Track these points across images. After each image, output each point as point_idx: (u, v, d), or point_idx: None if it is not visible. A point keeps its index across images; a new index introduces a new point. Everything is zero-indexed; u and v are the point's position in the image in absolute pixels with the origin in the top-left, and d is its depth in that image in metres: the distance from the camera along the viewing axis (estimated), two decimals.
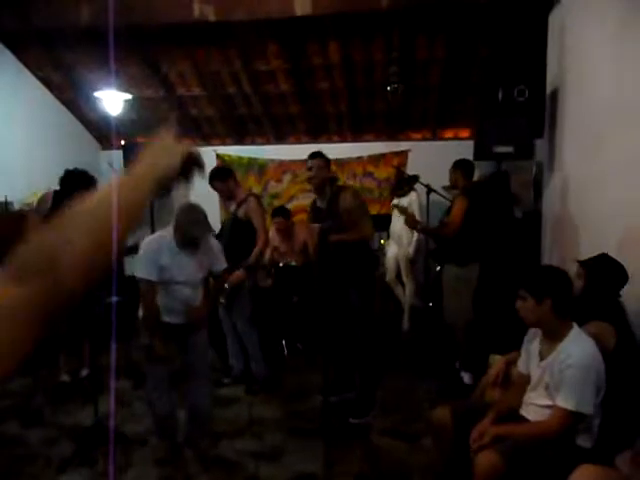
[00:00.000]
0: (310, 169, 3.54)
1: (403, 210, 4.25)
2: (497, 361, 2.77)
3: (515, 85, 4.05)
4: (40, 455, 3.08)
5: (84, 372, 4.12)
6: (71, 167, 4.16)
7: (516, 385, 2.38)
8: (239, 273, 3.77)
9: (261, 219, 3.89)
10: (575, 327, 2.12)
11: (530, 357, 2.26)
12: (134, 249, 4.29)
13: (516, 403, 2.34)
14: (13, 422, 3.47)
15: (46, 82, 5.66)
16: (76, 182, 4.02)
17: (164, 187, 0.80)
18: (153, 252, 2.78)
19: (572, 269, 3.12)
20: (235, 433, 3.30)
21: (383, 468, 2.92)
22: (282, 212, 5.11)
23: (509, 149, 4.05)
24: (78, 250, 0.63)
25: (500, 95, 4.07)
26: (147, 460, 3.02)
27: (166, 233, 2.87)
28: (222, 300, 3.81)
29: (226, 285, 3.71)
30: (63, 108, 6.01)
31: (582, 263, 2.53)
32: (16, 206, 4.96)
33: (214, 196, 4.20)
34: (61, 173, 4.09)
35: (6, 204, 4.91)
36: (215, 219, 4.22)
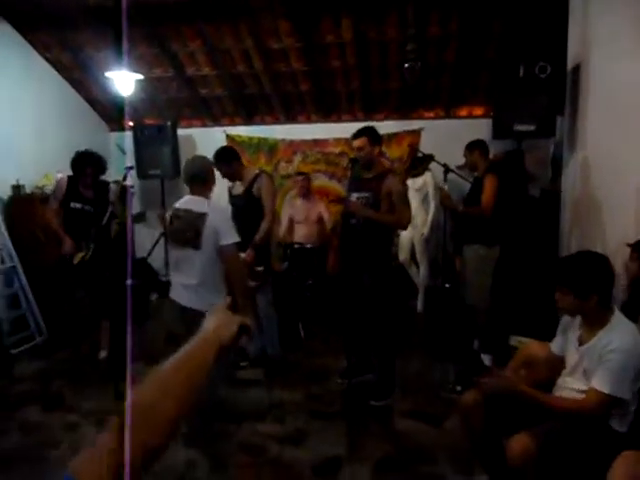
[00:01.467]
0: (359, 149, 3.39)
1: (445, 193, 4.12)
2: (527, 344, 2.74)
3: (537, 61, 3.95)
4: (63, 440, 3.08)
5: (103, 354, 4.12)
6: (80, 149, 4.14)
7: (547, 366, 2.35)
8: (249, 252, 3.73)
9: (271, 197, 3.83)
10: (617, 312, 2.08)
11: (568, 341, 2.23)
12: (142, 216, 4.18)
13: (543, 379, 2.32)
14: (34, 407, 3.48)
15: (55, 63, 5.55)
16: (86, 163, 4.01)
17: (222, 354, 0.94)
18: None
19: (596, 248, 3.08)
20: (257, 416, 3.30)
21: (407, 450, 2.91)
22: (305, 174, 5.28)
23: (530, 127, 3.97)
24: (165, 411, 0.78)
25: (521, 71, 3.96)
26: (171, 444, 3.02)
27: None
28: (252, 282, 3.77)
29: (259, 269, 3.69)
30: (72, 90, 5.91)
31: (635, 246, 2.47)
32: (27, 189, 4.92)
33: None
34: (71, 155, 4.07)
35: (18, 187, 4.86)
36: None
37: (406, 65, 4.49)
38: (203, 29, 5.01)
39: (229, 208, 3.44)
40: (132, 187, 5.75)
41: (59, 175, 4.17)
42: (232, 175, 3.88)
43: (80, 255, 3.95)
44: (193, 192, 2.85)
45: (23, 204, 4.80)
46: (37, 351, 4.40)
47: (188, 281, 2.79)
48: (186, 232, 2.74)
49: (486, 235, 3.89)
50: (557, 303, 2.16)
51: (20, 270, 4.57)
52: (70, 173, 4.07)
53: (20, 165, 4.87)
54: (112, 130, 6.49)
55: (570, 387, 2.16)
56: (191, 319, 2.64)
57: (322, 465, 2.79)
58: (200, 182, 2.83)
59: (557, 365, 2.31)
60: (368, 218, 3.29)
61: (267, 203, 3.78)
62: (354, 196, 3.43)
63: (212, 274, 2.76)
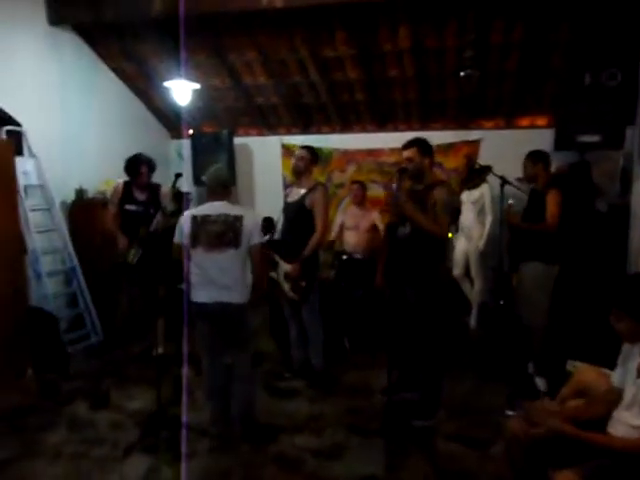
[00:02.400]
0: (409, 160, 3.31)
1: (509, 209, 3.96)
2: (582, 369, 2.54)
3: (604, 68, 3.71)
4: (107, 438, 3.16)
5: (159, 350, 4.20)
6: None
7: (605, 399, 2.16)
8: (295, 267, 3.71)
9: (324, 210, 3.76)
10: None
11: (627, 372, 2.04)
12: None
13: (600, 415, 2.13)
14: (83, 404, 3.60)
15: (119, 73, 5.80)
16: (140, 162, 4.26)
17: None
18: None
19: None
20: (295, 428, 3.25)
21: (448, 475, 2.76)
22: (359, 182, 5.20)
23: (595, 138, 3.73)
24: None
25: (587, 79, 3.74)
26: (207, 450, 3.03)
27: None
28: (293, 295, 3.76)
29: (302, 283, 3.67)
30: (135, 98, 6.16)
31: None
32: (90, 194, 5.14)
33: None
34: None
35: (81, 192, 5.09)
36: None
37: (462, 73, 4.35)
38: (259, 39, 5.07)
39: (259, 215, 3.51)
40: (189, 194, 5.89)
41: (119, 180, 4.34)
42: (301, 171, 3.84)
43: (133, 252, 4.14)
44: (217, 198, 3.11)
45: (85, 208, 5.02)
46: (91, 350, 4.56)
47: (225, 279, 2.99)
48: (226, 234, 2.99)
49: (546, 252, 3.69)
50: (614, 328, 1.99)
51: (79, 271, 4.77)
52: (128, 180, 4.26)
53: (84, 170, 5.11)
54: (173, 138, 6.70)
55: (626, 422, 1.97)
56: (232, 313, 3.02)
57: None
58: (225, 188, 3.15)
59: (616, 398, 2.12)
60: (413, 219, 3.18)
61: (319, 216, 3.73)
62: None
63: (245, 270, 3.09)
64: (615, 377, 2.13)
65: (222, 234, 2.99)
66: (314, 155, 3.90)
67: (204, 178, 3.24)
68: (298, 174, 3.85)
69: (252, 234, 3.03)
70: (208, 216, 3.04)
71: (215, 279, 2.99)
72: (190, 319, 3.09)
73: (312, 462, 2.90)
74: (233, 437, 3.09)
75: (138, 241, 4.18)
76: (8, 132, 4.37)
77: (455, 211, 3.91)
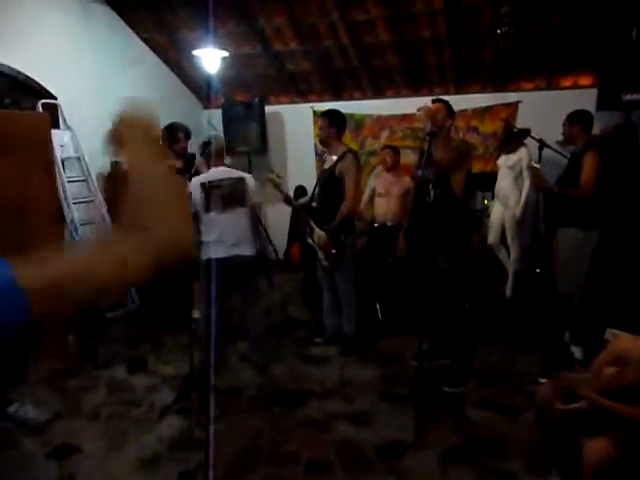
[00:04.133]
0: (435, 112, 3.22)
1: (538, 172, 3.81)
2: (619, 337, 2.44)
3: None
4: (143, 400, 3.27)
5: (196, 314, 4.29)
6: None
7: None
8: (323, 234, 3.72)
9: (354, 179, 3.69)
10: None
11: None
12: None
13: (636, 382, 2.04)
14: (121, 367, 3.73)
15: (151, 43, 5.81)
16: (178, 129, 4.25)
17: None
18: None
19: None
20: (325, 394, 3.28)
21: (477, 442, 2.74)
22: (392, 147, 5.04)
23: None
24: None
25: (634, 34, 3.49)
26: (239, 411, 3.10)
27: None
28: (325, 263, 3.76)
29: (332, 250, 3.67)
30: (167, 69, 6.17)
31: None
32: (124, 165, 5.20)
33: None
34: None
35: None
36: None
37: (498, 31, 4.14)
38: (288, 3, 4.96)
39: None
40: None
41: None
42: (323, 136, 3.84)
43: None
44: (217, 165, 3.47)
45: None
46: (129, 317, 4.70)
47: (238, 236, 3.38)
48: (233, 195, 3.38)
49: (585, 218, 3.53)
50: None
51: None
52: None
53: None
54: (205, 108, 6.70)
55: None
56: (246, 264, 3.43)
57: (386, 448, 2.71)
58: (221, 156, 3.53)
59: None
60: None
61: (349, 185, 3.67)
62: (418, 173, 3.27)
63: (250, 225, 3.49)
64: None
65: (230, 196, 3.37)
66: (336, 120, 3.80)
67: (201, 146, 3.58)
68: (324, 143, 3.82)
69: (254, 193, 3.48)
70: (214, 181, 3.38)
71: (229, 237, 3.35)
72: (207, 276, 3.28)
73: (341, 427, 2.93)
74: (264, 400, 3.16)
75: None
76: (44, 105, 4.46)
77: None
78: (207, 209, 3.33)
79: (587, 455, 1.81)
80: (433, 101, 3.31)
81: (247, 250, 3.43)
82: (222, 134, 3.86)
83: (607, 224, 3.60)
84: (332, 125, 3.75)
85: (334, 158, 3.74)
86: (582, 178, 3.44)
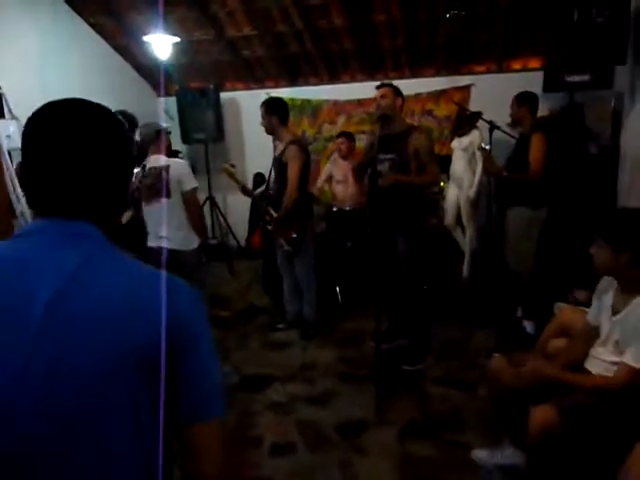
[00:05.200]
0: (381, 98, 3.31)
1: (486, 155, 3.91)
2: (563, 310, 2.58)
3: (593, 4, 3.58)
4: None
5: None
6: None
7: (582, 336, 2.20)
8: (273, 226, 3.79)
9: (295, 171, 3.65)
10: None
11: (601, 309, 2.06)
12: None
13: (581, 355, 2.16)
14: None
15: (99, 29, 5.62)
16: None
17: None
18: None
19: None
20: (287, 377, 3.33)
21: (435, 417, 2.85)
22: (346, 134, 5.05)
23: (584, 77, 3.65)
24: None
25: (575, 16, 3.61)
26: None
27: None
28: (287, 247, 3.78)
29: (294, 234, 3.68)
30: (117, 55, 5.99)
31: None
32: None
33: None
34: None
35: None
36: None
37: (448, 15, 4.20)
38: None
39: (187, 161, 3.51)
40: (179, 152, 5.81)
41: None
42: (267, 127, 3.80)
43: (129, 214, 3.99)
44: (154, 152, 3.26)
45: None
46: None
47: (162, 230, 3.19)
48: (155, 185, 3.19)
49: (532, 197, 3.66)
50: (592, 258, 2.01)
51: None
52: None
53: None
54: (159, 95, 6.56)
55: (601, 358, 2.01)
56: (177, 259, 3.11)
57: (346, 426, 2.78)
58: (153, 144, 3.26)
59: (593, 335, 2.15)
60: (401, 183, 3.18)
61: (290, 176, 3.66)
62: (381, 158, 3.30)
63: (183, 217, 3.24)
64: (590, 315, 2.16)
65: (152, 186, 3.20)
66: (275, 108, 3.77)
67: (137, 135, 3.33)
68: (269, 132, 3.82)
69: (181, 181, 3.19)
70: (144, 170, 3.27)
71: (156, 230, 3.24)
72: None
73: (304, 408, 2.99)
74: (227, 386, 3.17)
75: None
76: None
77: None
78: (140, 199, 3.27)
79: (532, 422, 1.92)
80: (377, 87, 3.38)
81: (178, 244, 3.19)
82: (162, 121, 3.61)
83: (553, 203, 3.74)
84: (272, 113, 3.74)
85: (281, 146, 3.76)
86: (530, 161, 3.55)
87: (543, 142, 3.51)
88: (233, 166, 4.05)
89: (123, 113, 4.08)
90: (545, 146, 3.51)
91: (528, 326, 3.73)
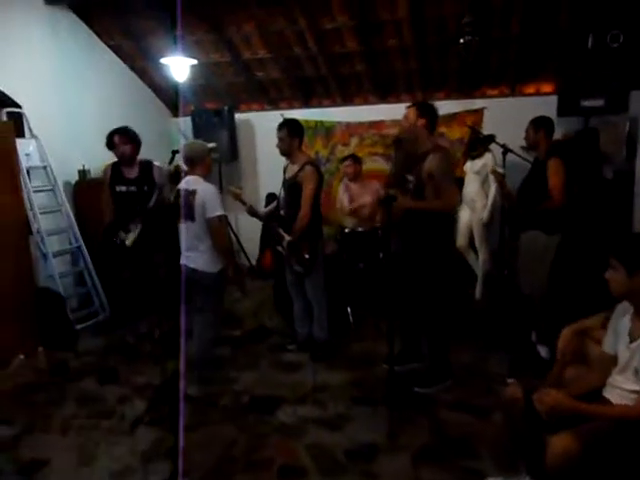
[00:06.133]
0: (404, 119, 3.29)
1: (500, 179, 3.87)
2: (565, 334, 2.53)
3: (608, 30, 3.60)
4: (115, 412, 3.23)
5: (157, 332, 4.26)
6: (145, 135, 4.25)
7: (599, 364, 2.16)
8: (285, 249, 3.76)
9: (310, 191, 3.66)
10: None
11: (618, 336, 2.03)
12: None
13: (598, 384, 2.12)
14: (92, 379, 3.67)
15: (117, 51, 5.76)
16: (113, 132, 4.08)
17: None
18: None
19: None
20: (298, 400, 3.30)
21: (449, 442, 2.79)
22: (353, 157, 5.08)
23: (599, 102, 3.64)
24: None
25: (590, 42, 3.63)
26: (213, 420, 3.09)
27: None
28: (298, 268, 3.76)
29: (306, 255, 3.68)
30: (134, 76, 6.12)
31: None
32: (93, 174, 5.15)
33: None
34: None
35: (84, 172, 5.11)
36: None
37: (461, 40, 4.24)
38: (256, 12, 4.99)
39: (215, 187, 3.44)
40: None
41: (107, 163, 4.25)
42: (285, 147, 3.78)
43: (132, 237, 4.00)
44: (189, 173, 3.36)
45: (88, 188, 5.04)
46: (99, 327, 4.63)
47: (190, 249, 3.33)
48: (183, 208, 3.30)
49: (547, 221, 3.63)
50: (608, 283, 1.98)
51: (85, 250, 4.82)
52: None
53: (86, 150, 5.09)
54: (174, 116, 6.66)
55: (620, 387, 1.97)
56: (199, 279, 3.32)
57: (358, 451, 2.74)
58: (192, 164, 3.34)
59: (611, 363, 2.11)
60: (417, 210, 3.16)
61: (305, 197, 3.66)
62: (409, 179, 3.28)
63: (206, 241, 3.31)
64: (607, 342, 2.12)
65: (182, 208, 3.31)
66: (296, 129, 3.79)
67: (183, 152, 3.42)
68: (285, 153, 3.83)
69: (205, 207, 3.23)
70: (178, 191, 3.39)
71: (185, 247, 3.38)
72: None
73: (314, 431, 2.95)
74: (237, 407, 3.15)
75: (138, 220, 4.00)
76: (8, 114, 4.37)
77: (455, 178, 3.85)
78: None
79: (551, 451, 1.88)
80: (407, 108, 3.31)
81: (200, 265, 3.34)
82: (198, 140, 3.67)
83: (568, 227, 3.71)
84: (294, 136, 3.75)
85: (295, 168, 3.77)
86: (552, 187, 3.51)
87: (562, 168, 3.48)
88: (240, 188, 4.12)
89: (126, 129, 4.12)
90: (564, 172, 3.48)
91: (542, 351, 3.68)
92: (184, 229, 3.37)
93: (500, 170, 3.86)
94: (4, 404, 3.30)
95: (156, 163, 4.26)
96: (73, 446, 2.88)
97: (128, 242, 3.98)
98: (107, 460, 2.74)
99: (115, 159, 4.16)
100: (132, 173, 4.14)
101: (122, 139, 4.06)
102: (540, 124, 3.76)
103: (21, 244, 4.12)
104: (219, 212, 3.27)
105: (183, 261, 3.42)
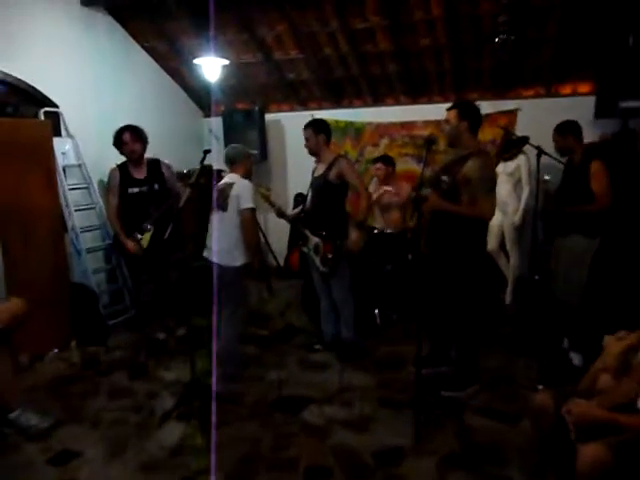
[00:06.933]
0: (445, 122, 3.24)
1: (547, 188, 3.81)
2: (612, 344, 2.45)
3: None
4: (144, 406, 3.28)
5: (180, 331, 4.32)
6: (177, 135, 4.30)
7: (636, 374, 2.09)
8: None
9: (356, 176, 3.77)
10: None
11: None
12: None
13: (632, 394, 2.06)
14: (122, 374, 3.74)
15: (151, 52, 5.85)
16: (123, 130, 4.05)
17: None
18: None
19: None
20: (324, 400, 3.30)
21: (476, 448, 2.75)
22: (384, 159, 4.95)
23: (639, 104, 3.53)
24: None
25: (631, 41, 3.52)
26: (240, 418, 3.11)
27: None
28: (323, 268, 3.77)
29: (329, 255, 3.68)
30: (167, 77, 6.21)
31: None
32: None
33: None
34: (168, 141, 4.17)
35: None
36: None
37: (497, 39, 4.17)
38: (288, 12, 5.01)
39: (250, 183, 3.53)
40: (222, 171, 5.93)
41: (112, 165, 4.17)
42: (313, 146, 3.81)
43: (147, 237, 3.96)
44: (230, 171, 3.61)
45: None
46: (130, 324, 4.71)
47: (217, 242, 3.44)
48: (218, 198, 3.49)
49: (588, 225, 3.54)
50: None
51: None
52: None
53: None
54: (206, 116, 6.74)
55: None
56: (222, 274, 3.39)
57: (384, 454, 2.72)
58: (233, 164, 3.60)
59: None
60: (443, 210, 3.12)
61: (357, 184, 3.71)
62: (443, 179, 3.23)
63: (235, 234, 3.44)
64: None
65: (216, 199, 3.50)
66: (323, 128, 3.82)
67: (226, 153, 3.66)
68: (314, 153, 3.85)
69: (240, 199, 3.39)
70: (219, 185, 3.57)
71: (210, 241, 3.52)
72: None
73: (340, 432, 2.94)
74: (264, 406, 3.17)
75: (153, 222, 3.96)
76: (46, 113, 4.50)
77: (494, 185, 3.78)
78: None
79: (582, 460, 1.83)
80: (447, 109, 3.26)
81: (224, 260, 3.45)
82: (240, 145, 3.78)
83: (607, 232, 3.61)
84: (319, 133, 3.78)
85: (324, 166, 3.77)
86: (596, 190, 3.45)
87: (605, 170, 3.41)
88: (268, 189, 4.14)
89: (136, 127, 4.11)
90: (607, 174, 3.40)
91: (575, 358, 3.59)
92: (215, 219, 3.50)
93: (547, 177, 3.77)
94: (39, 396, 3.38)
95: (166, 161, 4.27)
96: (103, 438, 2.94)
97: (144, 243, 3.98)
98: (136, 453, 2.78)
99: (120, 162, 4.11)
100: (141, 173, 4.10)
101: (132, 136, 4.02)
102: (566, 129, 3.68)
103: (57, 240, 4.23)
104: (252, 205, 3.43)
105: (207, 255, 3.54)
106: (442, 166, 3.33)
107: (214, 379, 3.16)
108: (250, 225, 3.49)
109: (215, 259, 3.46)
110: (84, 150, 4.80)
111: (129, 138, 4.02)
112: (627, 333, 2.36)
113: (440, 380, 3.40)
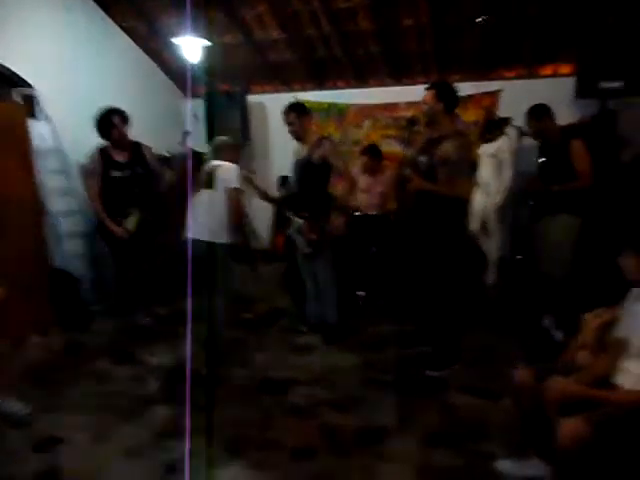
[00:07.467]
0: (423, 103, 3.23)
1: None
2: (590, 321, 2.50)
3: (629, 9, 3.50)
4: (128, 391, 3.27)
5: (162, 311, 4.28)
6: (157, 117, 4.22)
7: (612, 349, 2.13)
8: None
9: (340, 159, 3.76)
10: None
11: (634, 320, 2.00)
12: None
13: (609, 369, 2.10)
14: (106, 359, 3.72)
15: (130, 32, 5.72)
16: (111, 113, 3.96)
17: None
18: None
19: None
20: (309, 381, 3.32)
21: (459, 426, 2.80)
22: (371, 151, 4.91)
23: (619, 84, 3.55)
24: None
25: (610, 21, 3.54)
26: (226, 400, 3.12)
27: None
28: (306, 250, 3.77)
29: (313, 236, 3.68)
30: (147, 58, 6.08)
31: None
32: None
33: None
34: (150, 123, 4.09)
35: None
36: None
37: (478, 19, 4.15)
38: None
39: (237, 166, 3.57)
40: (203, 154, 5.86)
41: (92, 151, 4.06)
42: (298, 130, 3.80)
43: (134, 220, 3.94)
44: (214, 159, 3.62)
45: None
46: (114, 309, 4.65)
47: (201, 219, 3.43)
48: (204, 177, 3.51)
49: (574, 204, 3.59)
50: (621, 269, 1.97)
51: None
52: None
53: None
54: (187, 97, 6.62)
55: (635, 372, 1.95)
56: (207, 252, 3.34)
57: (369, 433, 2.75)
58: (219, 152, 3.66)
59: (623, 348, 2.09)
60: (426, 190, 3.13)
61: (339, 164, 3.70)
62: (420, 160, 3.26)
63: (219, 211, 3.46)
64: (620, 327, 2.10)
65: (203, 180, 3.51)
66: (303, 110, 3.83)
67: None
68: (298, 138, 3.83)
69: (225, 179, 3.47)
70: (205, 168, 3.60)
71: (193, 218, 3.49)
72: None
73: (326, 413, 2.96)
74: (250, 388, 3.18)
75: (137, 204, 3.93)
76: (20, 95, 4.38)
77: (472, 166, 3.79)
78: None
79: (561, 435, 1.87)
80: (425, 89, 3.25)
81: (208, 236, 3.41)
82: (227, 137, 3.83)
83: (589, 211, 3.66)
84: (305, 114, 3.79)
85: (307, 147, 3.76)
86: (579, 168, 3.49)
87: (585, 148, 3.45)
88: (253, 172, 4.12)
89: (122, 110, 4.03)
90: (588, 152, 3.44)
91: (557, 334, 3.65)
92: (199, 198, 3.49)
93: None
94: (21, 383, 3.35)
95: (146, 144, 4.19)
96: (88, 424, 2.92)
97: (130, 226, 3.93)
98: (121, 438, 2.78)
99: (100, 144, 4.01)
100: (124, 156, 4.01)
101: (122, 119, 3.95)
102: (542, 112, 3.71)
103: (35, 225, 4.16)
104: (237, 185, 3.48)
105: (190, 234, 3.41)
106: (419, 147, 3.33)
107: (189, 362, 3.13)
108: (236, 205, 3.50)
109: (198, 236, 3.35)
110: (62, 133, 4.69)
111: (119, 121, 3.93)
112: (605, 310, 2.41)
113: (423, 360, 3.44)
